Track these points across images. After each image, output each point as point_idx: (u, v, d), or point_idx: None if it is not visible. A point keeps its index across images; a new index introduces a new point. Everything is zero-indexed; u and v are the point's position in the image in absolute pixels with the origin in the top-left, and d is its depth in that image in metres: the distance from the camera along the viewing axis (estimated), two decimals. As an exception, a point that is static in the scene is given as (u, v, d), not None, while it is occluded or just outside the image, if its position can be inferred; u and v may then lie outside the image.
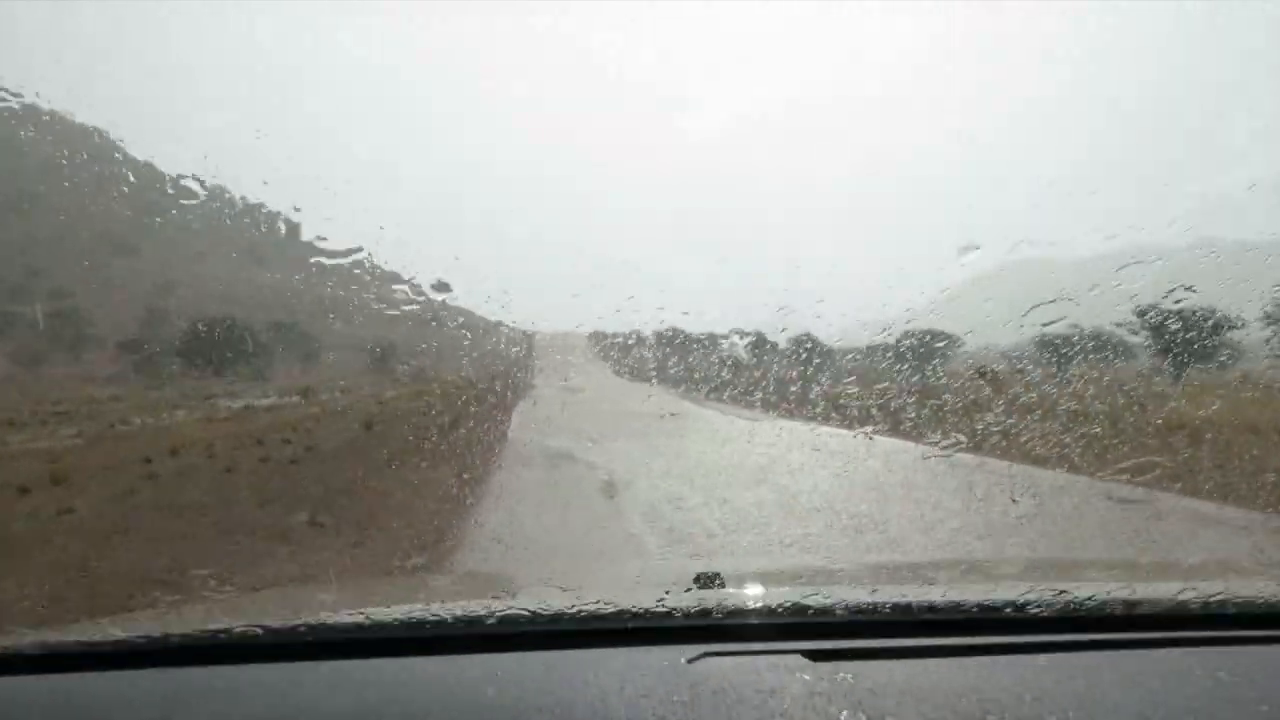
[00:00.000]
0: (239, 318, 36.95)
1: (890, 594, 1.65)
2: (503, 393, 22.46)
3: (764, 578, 2.05)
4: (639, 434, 13.87)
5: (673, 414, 17.46)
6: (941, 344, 34.41)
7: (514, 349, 60.02)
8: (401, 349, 42.23)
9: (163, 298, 42.22)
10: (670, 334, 62.89)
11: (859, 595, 1.63)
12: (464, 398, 18.80)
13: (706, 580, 1.75)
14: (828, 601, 1.57)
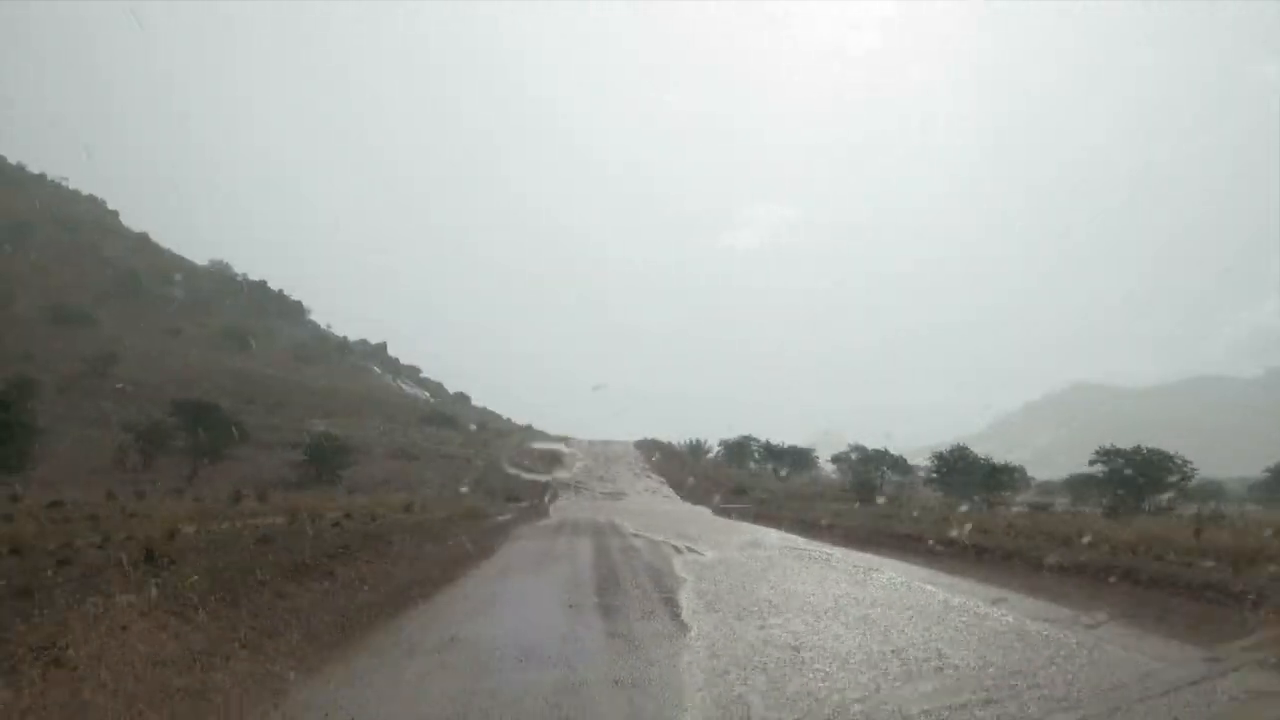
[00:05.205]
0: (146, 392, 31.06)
1: None
2: (467, 547, 13.25)
3: None
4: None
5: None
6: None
7: (535, 460, 42.29)
8: (372, 449, 37.90)
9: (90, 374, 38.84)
10: (742, 442, 55.00)
11: None
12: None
13: None
14: None
